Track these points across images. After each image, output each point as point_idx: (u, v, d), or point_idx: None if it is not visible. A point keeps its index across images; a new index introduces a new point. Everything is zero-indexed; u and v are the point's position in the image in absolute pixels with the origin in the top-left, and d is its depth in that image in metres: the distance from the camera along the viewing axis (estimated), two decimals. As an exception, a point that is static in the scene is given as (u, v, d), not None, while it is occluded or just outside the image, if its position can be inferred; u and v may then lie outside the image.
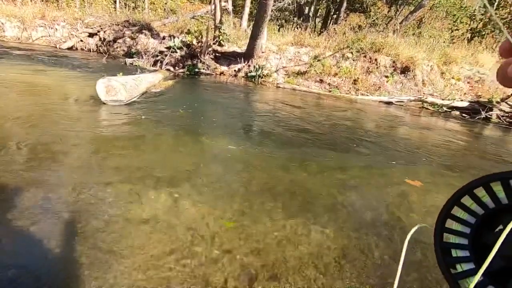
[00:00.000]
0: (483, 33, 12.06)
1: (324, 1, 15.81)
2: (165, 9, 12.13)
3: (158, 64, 7.64)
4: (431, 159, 3.58)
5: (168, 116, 3.74)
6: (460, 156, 3.98)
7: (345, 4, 14.21)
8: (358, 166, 3.07)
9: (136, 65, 7.43)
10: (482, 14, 13.24)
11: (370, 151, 3.55)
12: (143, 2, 12.54)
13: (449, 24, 13.04)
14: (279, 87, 7.39)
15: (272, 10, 13.76)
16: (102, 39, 9.16)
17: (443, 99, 6.77)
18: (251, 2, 11.54)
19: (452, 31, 12.74)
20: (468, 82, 7.55)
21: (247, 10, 11.85)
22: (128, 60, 7.63)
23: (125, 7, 12.52)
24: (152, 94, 4.72)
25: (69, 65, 6.35)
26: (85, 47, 9.10)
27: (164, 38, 8.54)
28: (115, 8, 12.14)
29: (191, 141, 3.11)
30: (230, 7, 12.67)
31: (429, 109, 6.82)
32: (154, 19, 10.30)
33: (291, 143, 3.43)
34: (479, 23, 13.09)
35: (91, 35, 9.25)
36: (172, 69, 7.47)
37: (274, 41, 8.76)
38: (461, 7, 12.90)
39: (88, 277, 1.34)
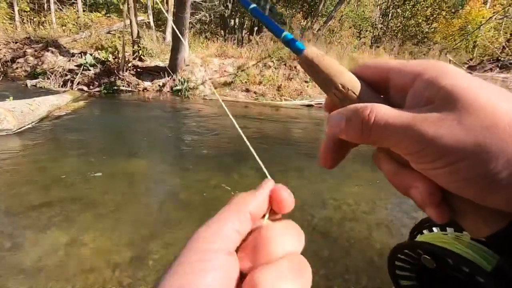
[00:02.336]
0: (383, 39, 13.96)
1: (248, 14, 16.44)
2: (76, 23, 11.11)
3: (69, 84, 6.90)
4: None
5: (61, 144, 3.35)
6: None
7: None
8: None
9: (41, 87, 6.59)
10: (381, 23, 15.37)
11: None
12: (48, 16, 11.30)
13: (357, 32, 14.79)
14: (206, 99, 7.34)
15: (196, 23, 13.76)
16: (-4, 59, 7.92)
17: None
18: (174, 16, 11.36)
19: (360, 38, 14.48)
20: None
21: (170, 24, 11.62)
22: (30, 82, 6.72)
23: (28, 23, 11.10)
24: (54, 118, 4.20)
25: None
26: (-26, 70, 7.76)
27: (74, 55, 7.78)
28: (12, 24, 10.67)
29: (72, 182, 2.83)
30: (151, 21, 12.28)
31: (345, 109, 7.54)
32: (63, 35, 9.34)
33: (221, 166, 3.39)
34: (380, 31, 15.14)
35: (-20, 55, 7.93)
36: (85, 88, 6.82)
37: (198, 54, 8.72)
38: (364, 18, 14.74)
39: None
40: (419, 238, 0.32)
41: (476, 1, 13.17)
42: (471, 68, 9.29)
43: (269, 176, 0.25)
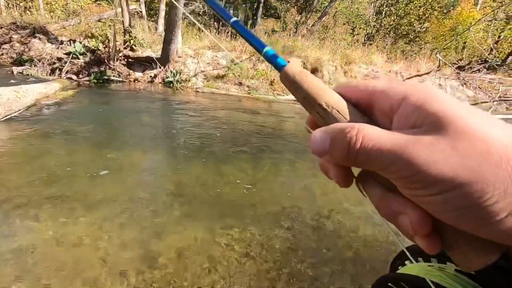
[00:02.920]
0: (376, 37, 14.08)
1: (242, 7, 16.29)
2: (65, 10, 10.78)
3: (57, 72, 6.72)
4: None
5: (48, 132, 3.29)
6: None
7: (261, 10, 14.92)
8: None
9: (28, 74, 6.40)
10: (375, 21, 15.48)
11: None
12: (35, 1, 10.92)
13: (351, 29, 14.85)
14: (198, 91, 7.29)
15: (189, 14, 13.53)
16: (-20, 44, 7.63)
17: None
18: (167, 6, 11.14)
19: (354, 35, 14.56)
20: (366, 79, 8.69)
21: (162, 14, 11.38)
22: (17, 69, 6.52)
23: (14, 7, 10.70)
24: (42, 107, 4.10)
25: None
26: (-44, 55, 7.46)
27: (62, 43, 7.57)
28: (-3, 8, 10.27)
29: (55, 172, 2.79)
30: (143, 10, 12.02)
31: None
32: (51, 22, 9.05)
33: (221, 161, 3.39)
34: (373, 29, 15.25)
35: (-37, 40, 7.63)
36: (74, 77, 6.66)
37: (191, 45, 8.61)
38: (358, 14, 14.81)
39: None
40: (402, 269, 0.30)
41: (467, 2, 13.40)
42: (459, 68, 9.48)
43: None
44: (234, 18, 0.30)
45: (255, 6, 15.56)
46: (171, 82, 7.39)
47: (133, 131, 3.71)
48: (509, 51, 11.00)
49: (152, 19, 12.09)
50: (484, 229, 0.17)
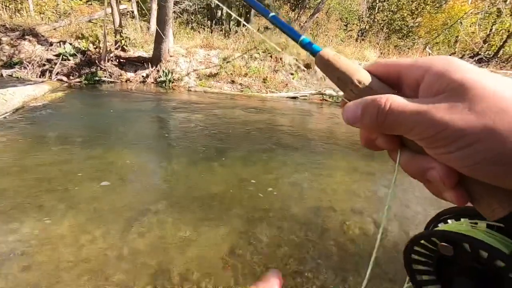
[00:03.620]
0: (369, 32, 14.09)
1: (235, 5, 16.20)
2: (55, 11, 10.67)
3: (47, 74, 6.66)
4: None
5: (34, 135, 3.27)
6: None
7: (254, 8, 14.81)
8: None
9: (17, 77, 6.34)
10: (368, 17, 15.47)
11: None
12: (25, 3, 10.80)
13: (344, 25, 14.84)
14: (191, 90, 7.26)
15: (182, 13, 13.45)
16: (-32, 48, 7.54)
17: (337, 91, 7.63)
18: (157, 5, 11.03)
19: (347, 31, 14.55)
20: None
21: (154, 14, 11.27)
22: (6, 72, 6.45)
23: (3, 9, 10.57)
24: (30, 109, 4.06)
25: None
26: None
27: (52, 44, 7.50)
28: (-14, 11, 10.13)
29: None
30: (135, 10, 11.92)
31: (328, 101, 7.62)
32: (41, 23, 8.95)
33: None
34: (366, 24, 15.25)
35: (-49, 44, 7.53)
36: (65, 79, 6.61)
37: (183, 44, 8.57)
38: (351, 10, 14.79)
39: None
40: (435, 229, 0.31)
41: (459, -4, 13.43)
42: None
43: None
44: (272, 13, 0.32)
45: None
46: (163, 81, 7.36)
47: (125, 131, 3.68)
48: (501, 44, 11.06)
49: (144, 18, 11.99)
50: (503, 179, 0.19)
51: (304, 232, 2.05)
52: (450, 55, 12.21)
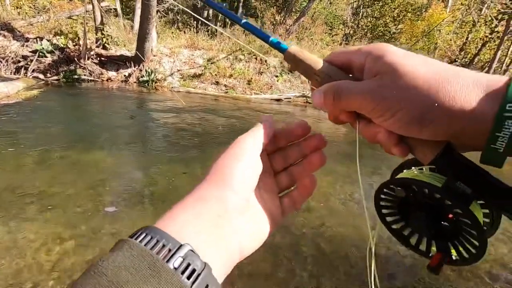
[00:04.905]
0: (354, 37, 14.40)
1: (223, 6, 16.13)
2: (33, 6, 10.26)
3: (23, 71, 6.39)
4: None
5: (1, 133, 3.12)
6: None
7: (241, 10, 14.86)
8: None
9: (-11, 73, 6.04)
10: (352, 22, 15.82)
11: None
12: (1, -3, 10.35)
13: (329, 29, 15.10)
14: (174, 91, 7.15)
15: (167, 13, 13.27)
16: None
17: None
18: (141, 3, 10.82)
19: (333, 36, 14.81)
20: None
21: (138, 12, 11.05)
22: (-23, 68, 6.13)
23: (-23, 3, 10.06)
24: (0, 107, 3.88)
25: None
26: None
27: (28, 40, 7.20)
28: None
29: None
30: (118, 7, 11.65)
31: (312, 103, 7.70)
32: (17, 18, 8.59)
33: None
34: (350, 29, 15.59)
35: None
36: (42, 76, 6.36)
37: (167, 44, 8.45)
38: (335, 15, 15.08)
39: None
40: (394, 177, 0.38)
41: (437, 5, 13.95)
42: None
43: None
44: (244, 20, 0.39)
45: (234, 6, 15.49)
46: (146, 81, 7.22)
47: (102, 131, 3.57)
48: (476, 52, 11.55)
49: (128, 17, 11.74)
50: (424, 132, 0.26)
51: (282, 234, 2.05)
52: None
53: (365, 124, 0.30)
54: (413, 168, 0.36)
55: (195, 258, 0.21)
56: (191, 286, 0.20)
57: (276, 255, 1.83)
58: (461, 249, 0.31)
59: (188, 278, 0.20)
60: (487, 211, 0.31)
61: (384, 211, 0.36)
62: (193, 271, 0.21)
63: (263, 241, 0.31)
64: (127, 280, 0.19)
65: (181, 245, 0.21)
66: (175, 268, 0.20)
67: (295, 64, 0.33)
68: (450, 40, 12.04)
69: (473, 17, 10.51)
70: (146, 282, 0.19)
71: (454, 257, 0.31)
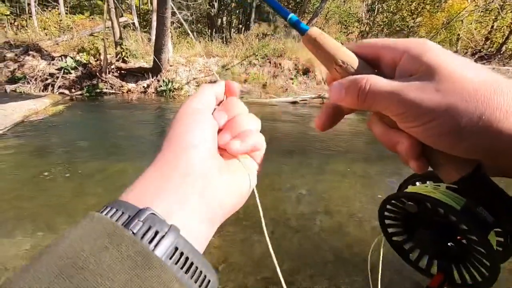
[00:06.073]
0: (370, 34, 14.07)
1: (235, 13, 16.38)
2: (59, 26, 10.92)
3: (50, 88, 6.79)
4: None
5: (33, 148, 3.30)
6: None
7: (253, 15, 14.98)
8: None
9: (21, 92, 6.47)
10: (367, 19, 15.47)
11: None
12: (30, 20, 11.10)
13: (344, 28, 14.86)
14: (191, 99, 7.29)
15: (182, 23, 13.63)
16: (-26, 65, 7.74)
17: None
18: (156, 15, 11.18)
19: (348, 34, 14.55)
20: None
21: (154, 25, 11.47)
22: (9, 87, 6.59)
23: (9, 26, 10.88)
24: (29, 123, 4.12)
25: None
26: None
27: (54, 58, 7.65)
28: (-8, 29, 10.43)
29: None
30: (136, 21, 12.13)
31: (330, 104, 7.57)
32: (44, 38, 9.17)
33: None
34: (366, 26, 15.25)
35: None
36: (67, 92, 6.72)
37: (183, 54, 8.66)
38: (350, 13, 14.82)
39: None
40: (404, 190, 0.37)
41: (458, -6, 13.35)
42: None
43: (219, 78, 0.34)
44: None
45: (248, 11, 15.64)
46: (164, 91, 7.42)
47: (126, 142, 3.70)
48: (503, 40, 10.89)
49: (145, 30, 12.19)
50: (457, 147, 0.22)
51: (300, 239, 2.01)
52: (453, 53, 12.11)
53: (386, 128, 0.27)
54: (428, 183, 0.34)
55: (156, 221, 0.20)
56: (154, 250, 0.19)
57: (294, 261, 1.80)
58: (465, 274, 0.29)
59: (150, 241, 0.19)
60: (501, 239, 0.29)
61: (387, 221, 0.35)
62: (156, 233, 0.19)
63: (243, 196, 0.28)
64: (82, 249, 0.18)
65: (139, 210, 0.20)
66: (134, 233, 0.19)
67: (315, 50, 0.29)
68: (474, 30, 11.45)
69: (497, 4, 9.94)
70: (104, 250, 0.18)
71: (456, 281, 0.30)
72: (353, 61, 0.27)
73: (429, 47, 0.24)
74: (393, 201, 0.32)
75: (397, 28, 14.76)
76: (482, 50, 10.04)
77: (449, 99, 0.21)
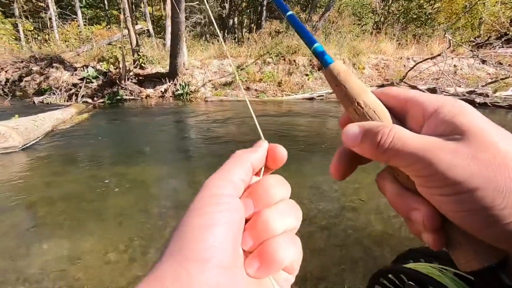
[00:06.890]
0: (385, 24, 13.66)
1: (246, 13, 16.43)
2: (79, 38, 11.38)
3: (74, 97, 7.09)
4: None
5: (65, 156, 3.46)
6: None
7: (265, 13, 14.94)
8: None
9: (48, 103, 6.80)
10: (382, 9, 15.03)
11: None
12: (51, 33, 11.63)
13: (357, 19, 14.51)
14: (208, 101, 7.39)
15: (195, 26, 13.82)
16: (4, 79, 8.22)
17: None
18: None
19: (362, 26, 14.21)
20: (376, 69, 8.44)
21: (169, 30, 11.71)
22: (37, 99, 6.94)
23: (33, 41, 11.47)
24: (59, 132, 4.33)
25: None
26: (-16, 92, 8.07)
27: (76, 69, 7.98)
28: (18, 44, 11.04)
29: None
30: (150, 28, 12.42)
31: (347, 99, 7.43)
32: (66, 50, 9.59)
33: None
34: (381, 16, 14.82)
35: (-11, 77, 8.25)
36: (90, 100, 6.99)
37: (197, 57, 8.78)
38: (363, 4, 14.45)
39: None
40: (405, 265, 0.32)
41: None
42: (478, 46, 8.96)
43: (263, 138, 0.27)
44: (290, 12, 0.31)
45: (259, 10, 15.62)
46: (181, 94, 7.57)
47: (149, 146, 3.82)
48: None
49: (160, 35, 12.46)
50: (488, 231, 0.19)
51: (327, 236, 2.00)
52: (475, 38, 11.52)
53: (401, 189, 0.23)
54: (433, 263, 0.29)
55: None
56: None
57: (323, 258, 1.78)
58: None
59: None
60: None
61: None
62: None
63: None
64: None
65: None
66: None
67: (336, 84, 0.26)
68: (498, 11, 10.84)
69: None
70: None
71: None
72: (376, 106, 0.24)
73: (465, 108, 0.21)
74: (390, 276, 0.28)
75: (414, 16, 14.25)
76: (508, 32, 9.46)
77: (489, 172, 0.18)
